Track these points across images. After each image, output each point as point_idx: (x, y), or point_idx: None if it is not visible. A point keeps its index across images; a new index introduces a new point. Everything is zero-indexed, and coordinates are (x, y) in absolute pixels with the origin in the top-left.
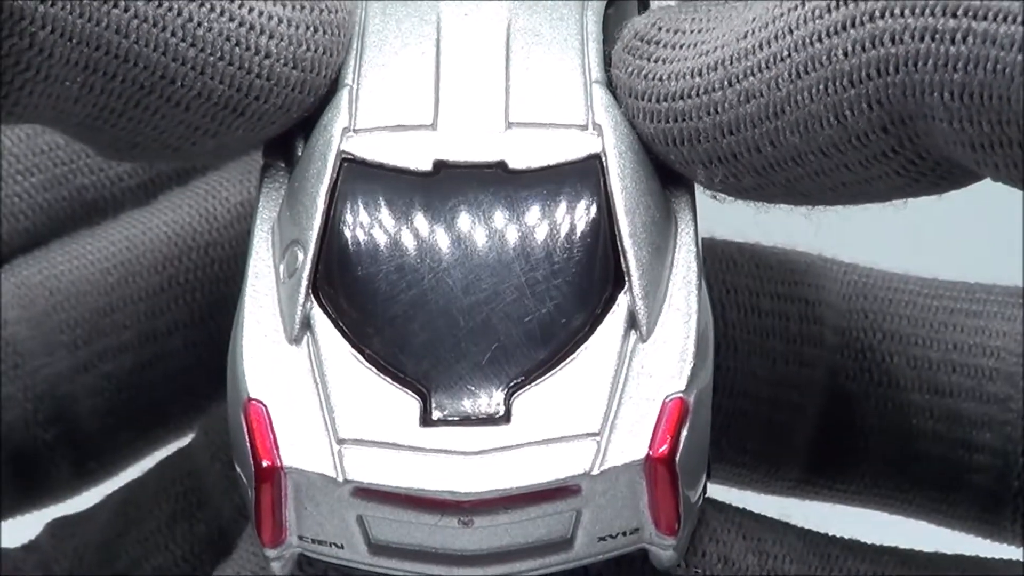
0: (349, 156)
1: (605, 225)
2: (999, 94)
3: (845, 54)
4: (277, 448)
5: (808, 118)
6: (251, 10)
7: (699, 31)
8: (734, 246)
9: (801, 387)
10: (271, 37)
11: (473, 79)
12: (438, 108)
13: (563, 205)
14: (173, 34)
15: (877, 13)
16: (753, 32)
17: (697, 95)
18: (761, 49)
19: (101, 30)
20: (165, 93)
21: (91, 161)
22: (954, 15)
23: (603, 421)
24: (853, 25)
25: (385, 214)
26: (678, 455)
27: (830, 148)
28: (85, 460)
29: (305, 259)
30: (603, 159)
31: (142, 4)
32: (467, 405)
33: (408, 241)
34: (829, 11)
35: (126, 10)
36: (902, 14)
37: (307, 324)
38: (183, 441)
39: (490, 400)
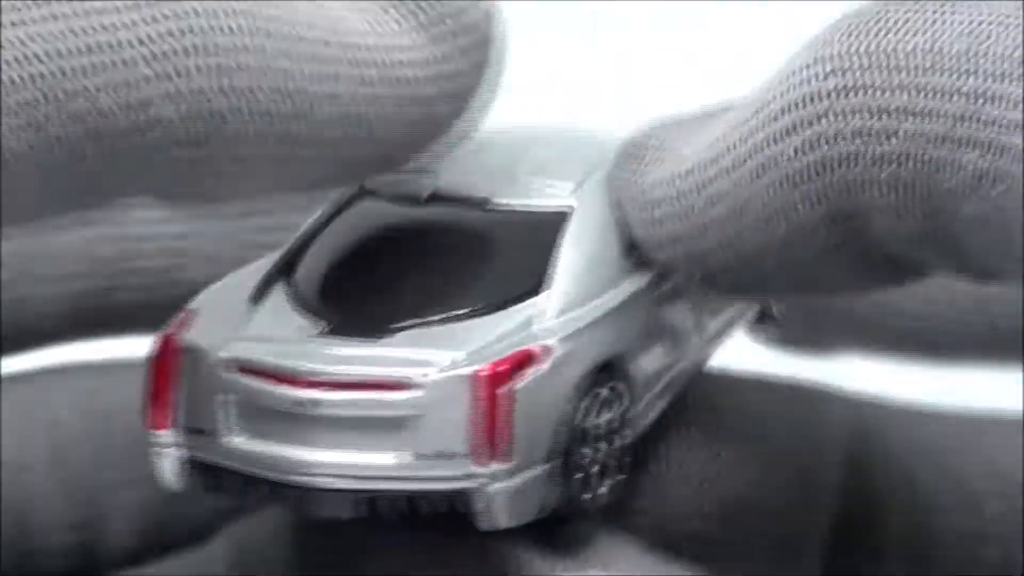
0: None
1: (548, 251)
2: (925, 189)
3: (790, 157)
4: (184, 332)
5: (766, 217)
6: (413, 66)
7: (680, 142)
8: (745, 376)
9: (810, 508)
10: (418, 66)
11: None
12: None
13: (522, 231)
14: (319, 68)
15: (816, 117)
16: (720, 139)
17: (674, 201)
18: (727, 154)
19: (292, 130)
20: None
21: None
22: (880, 116)
23: (461, 354)
24: (796, 130)
25: (369, 216)
26: (517, 387)
27: (786, 245)
28: None
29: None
30: (571, 212)
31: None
32: (351, 330)
33: (376, 232)
34: (777, 118)
35: (309, 119)
36: (835, 117)
37: (267, 287)
38: None
39: (373, 328)
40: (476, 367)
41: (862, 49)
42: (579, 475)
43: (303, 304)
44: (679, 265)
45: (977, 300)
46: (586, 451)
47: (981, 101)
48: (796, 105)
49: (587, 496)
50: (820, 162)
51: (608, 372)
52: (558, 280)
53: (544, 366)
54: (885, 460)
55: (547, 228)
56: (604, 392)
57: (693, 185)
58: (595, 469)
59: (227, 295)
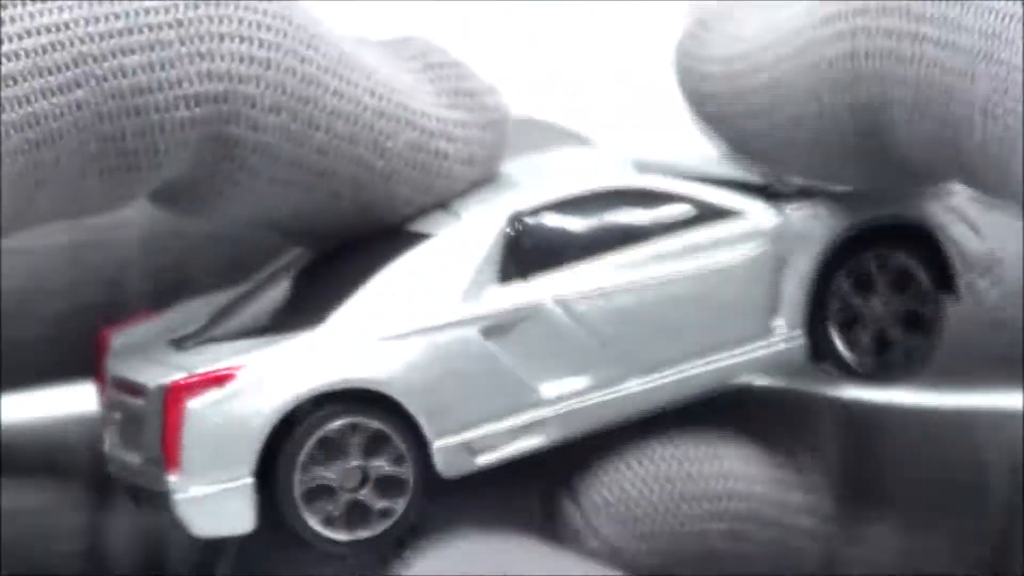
0: None
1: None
2: (944, 96)
3: (828, 41)
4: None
5: (802, 93)
6: (431, 117)
7: (737, 22)
8: (748, 389)
9: (811, 512)
10: (449, 140)
11: None
12: None
13: (367, 258)
14: (365, 147)
15: (853, 11)
16: (769, 24)
17: (721, 62)
18: (772, 32)
19: (305, 152)
20: (355, 199)
21: None
22: (915, 19)
23: (192, 367)
24: (837, 18)
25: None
26: (193, 402)
27: (816, 123)
28: None
29: None
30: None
31: (340, 125)
32: (195, 340)
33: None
34: (822, 23)
35: (327, 131)
36: (873, 14)
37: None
38: None
39: (205, 338)
40: (172, 379)
41: None
42: (307, 504)
43: (209, 327)
44: (721, 131)
45: None
46: (297, 477)
47: (994, 41)
48: (835, 17)
49: (326, 532)
50: (853, 52)
51: (345, 404)
52: (339, 313)
53: (233, 386)
54: None
55: (379, 256)
56: (336, 424)
57: (741, 51)
58: (339, 505)
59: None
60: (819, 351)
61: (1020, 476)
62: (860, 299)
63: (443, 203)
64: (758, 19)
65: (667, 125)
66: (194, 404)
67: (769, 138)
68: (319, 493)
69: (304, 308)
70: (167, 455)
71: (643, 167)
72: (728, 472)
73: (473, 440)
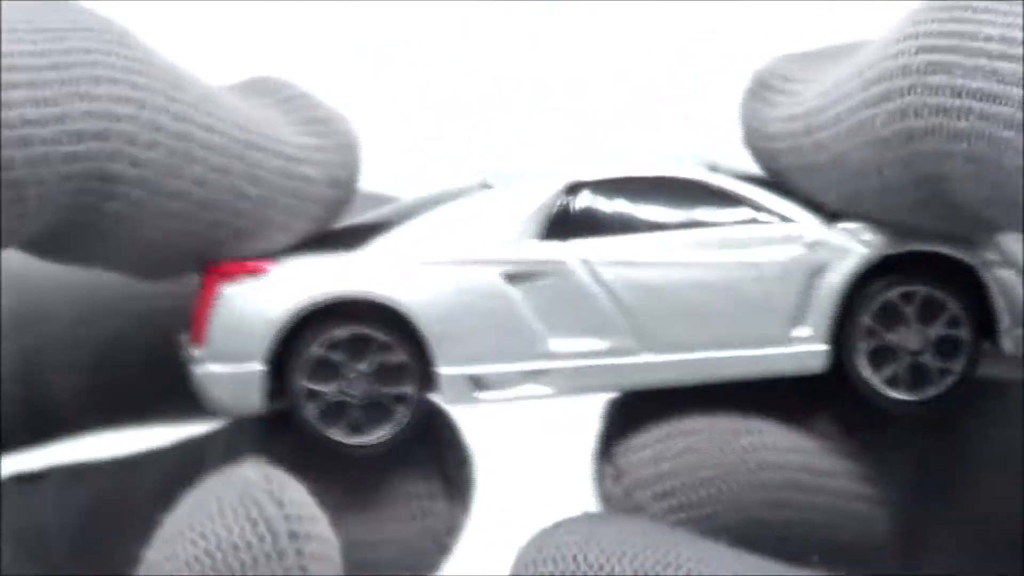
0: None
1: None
2: (995, 164)
3: (882, 122)
4: None
5: (862, 171)
6: (293, 145)
7: (802, 82)
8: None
9: (883, 483)
10: (312, 164)
11: None
12: None
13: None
14: (239, 177)
15: (905, 90)
16: (829, 91)
17: (785, 139)
18: (831, 108)
19: (184, 184)
20: (232, 226)
21: None
22: (959, 95)
23: None
24: (887, 99)
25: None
26: (227, 287)
27: (878, 197)
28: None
29: None
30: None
31: (214, 157)
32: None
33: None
34: (872, 85)
35: (203, 163)
36: (921, 91)
37: None
38: None
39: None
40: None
41: (948, 30)
42: (307, 398)
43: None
44: (789, 182)
45: None
46: (303, 376)
47: None
48: (889, 76)
49: (333, 430)
50: (907, 132)
51: (360, 315)
52: (381, 238)
53: (263, 279)
54: None
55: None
56: (342, 332)
57: (802, 128)
58: (344, 404)
59: None
60: (844, 369)
61: None
62: (887, 324)
63: (318, 228)
64: (815, 83)
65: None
66: (228, 288)
67: (834, 191)
68: (316, 396)
69: (361, 233)
70: (195, 329)
71: (714, 168)
72: (762, 444)
73: (477, 374)
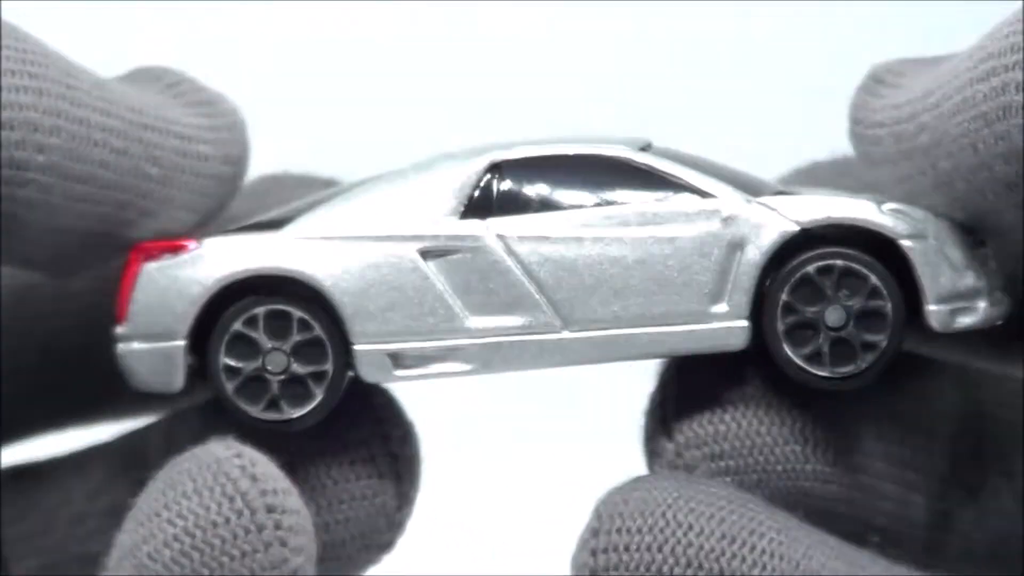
0: None
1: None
2: None
3: (984, 96)
4: None
5: (959, 148)
6: (186, 125)
7: (911, 76)
8: None
9: (917, 467)
10: (206, 143)
11: None
12: None
13: None
14: (139, 158)
15: (1010, 66)
16: (936, 78)
17: (889, 125)
18: (936, 91)
19: (89, 167)
20: (140, 208)
21: None
22: None
23: None
24: (992, 75)
25: None
26: (148, 264)
27: (970, 175)
28: None
29: None
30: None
31: (114, 139)
32: None
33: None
34: (979, 64)
35: (104, 146)
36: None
37: None
38: None
39: None
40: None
41: None
42: (229, 376)
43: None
44: (887, 184)
45: None
46: (223, 352)
47: None
48: (997, 54)
49: (252, 406)
50: (1007, 105)
51: (281, 293)
52: (304, 217)
53: (184, 256)
54: None
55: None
56: (259, 308)
57: (907, 114)
58: (264, 380)
59: None
60: (764, 345)
61: None
62: (807, 299)
63: (218, 205)
64: (926, 76)
65: None
66: (149, 265)
67: (930, 173)
68: (235, 372)
69: (286, 215)
70: (119, 308)
71: (646, 147)
72: (814, 418)
73: (394, 351)
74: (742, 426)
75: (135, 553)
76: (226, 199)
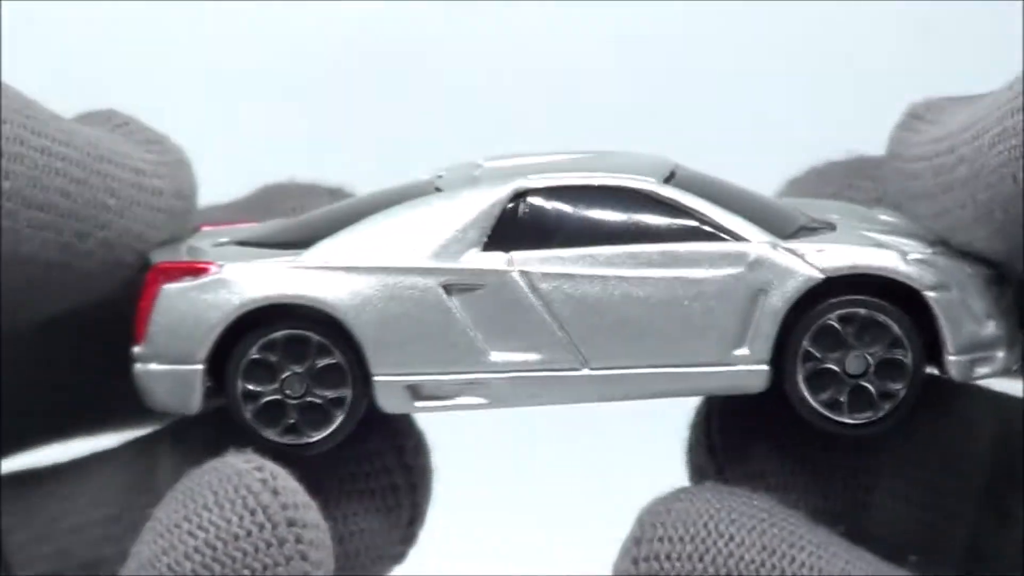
0: None
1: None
2: None
3: (1020, 131)
4: None
5: (998, 178)
6: (139, 160)
7: (949, 113)
8: None
9: (956, 495)
10: (159, 177)
11: None
12: None
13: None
14: (97, 189)
15: None
16: (977, 109)
17: (928, 159)
18: (975, 124)
19: (50, 196)
20: (97, 237)
21: None
22: None
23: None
24: None
25: None
26: (167, 285)
27: (1008, 205)
28: None
29: None
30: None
31: (75, 170)
32: None
33: None
34: (1019, 96)
35: (63, 175)
36: None
37: None
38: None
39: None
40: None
41: None
42: (247, 401)
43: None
44: (924, 219)
45: None
46: (240, 378)
47: None
48: None
49: (269, 430)
50: None
51: (295, 319)
52: (325, 242)
53: (204, 280)
54: None
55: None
56: (279, 335)
57: (946, 147)
58: (283, 407)
59: None
60: (785, 391)
61: None
62: (828, 347)
63: (174, 237)
64: (965, 111)
65: None
66: (169, 287)
67: (969, 206)
68: (253, 397)
69: (306, 235)
70: (138, 328)
71: (674, 173)
72: (857, 446)
73: (414, 383)
74: (785, 447)
75: (154, 564)
76: (176, 234)
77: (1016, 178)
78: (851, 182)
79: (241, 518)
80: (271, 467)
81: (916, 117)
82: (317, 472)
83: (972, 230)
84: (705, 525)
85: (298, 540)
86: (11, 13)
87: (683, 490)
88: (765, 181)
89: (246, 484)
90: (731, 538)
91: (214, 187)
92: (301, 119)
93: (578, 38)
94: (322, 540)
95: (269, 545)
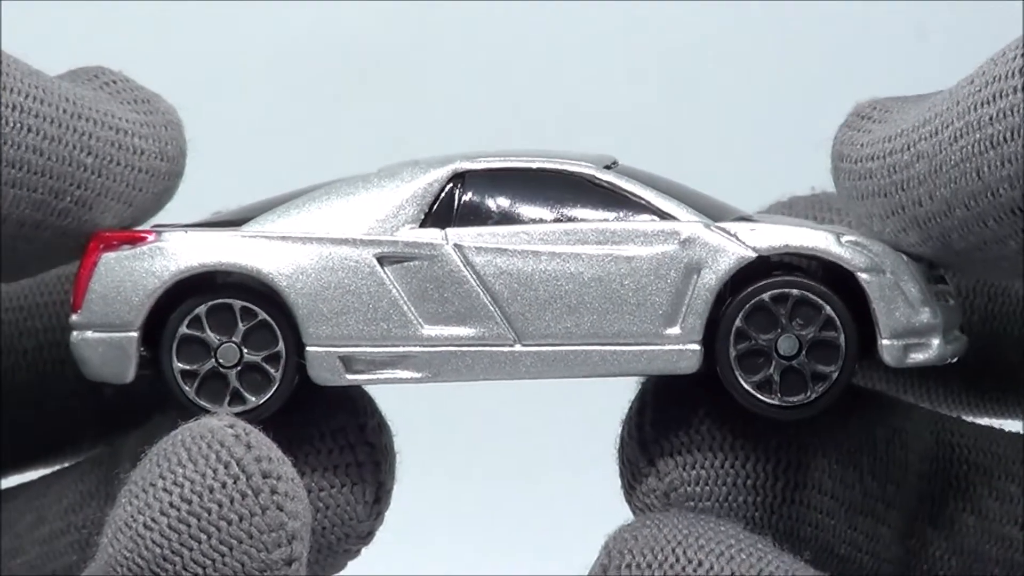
0: None
1: None
2: None
3: (989, 120)
4: None
5: (960, 174)
6: (121, 119)
7: (897, 111)
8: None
9: (887, 501)
10: (141, 137)
11: None
12: None
13: None
14: (73, 146)
15: (1015, 89)
16: (931, 107)
17: (881, 157)
18: (934, 119)
19: (23, 153)
20: (72, 195)
21: None
22: None
23: None
24: (997, 99)
25: None
26: (107, 253)
27: (971, 201)
28: None
29: None
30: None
31: (47, 126)
32: None
33: None
34: (983, 88)
35: (36, 132)
36: None
37: None
38: None
39: None
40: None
41: None
42: (187, 379)
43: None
44: (875, 218)
45: None
46: (175, 345)
47: None
48: (1002, 77)
49: (193, 397)
50: (1014, 128)
51: (231, 289)
52: (266, 215)
53: (142, 248)
54: None
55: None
56: (202, 307)
57: (902, 144)
58: (217, 373)
59: None
60: (717, 371)
61: None
62: (761, 327)
63: (154, 201)
64: (916, 108)
65: None
66: (107, 255)
67: (927, 202)
68: (192, 355)
69: (249, 213)
70: (75, 296)
71: (611, 165)
72: (799, 462)
73: (346, 355)
74: (726, 471)
75: (131, 524)
76: (163, 196)
77: (981, 172)
78: (815, 215)
79: (215, 471)
80: (243, 424)
81: (863, 117)
82: (283, 448)
83: (924, 229)
84: (673, 551)
85: (273, 490)
86: (11, 13)
87: (650, 516)
88: (765, 182)
89: (219, 439)
90: (699, 564)
91: (214, 187)
92: (301, 119)
93: (578, 38)
94: (297, 492)
95: (244, 496)
